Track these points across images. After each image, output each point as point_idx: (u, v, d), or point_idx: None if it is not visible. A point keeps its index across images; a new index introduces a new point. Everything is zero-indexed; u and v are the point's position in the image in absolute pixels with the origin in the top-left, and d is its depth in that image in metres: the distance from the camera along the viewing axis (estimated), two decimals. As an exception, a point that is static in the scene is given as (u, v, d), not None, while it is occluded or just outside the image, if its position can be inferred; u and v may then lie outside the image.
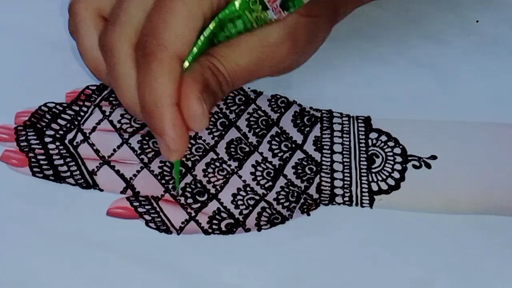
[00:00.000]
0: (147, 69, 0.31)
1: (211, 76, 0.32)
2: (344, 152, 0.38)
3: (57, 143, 0.38)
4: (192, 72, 0.31)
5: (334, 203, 0.36)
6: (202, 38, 0.32)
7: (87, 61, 0.34)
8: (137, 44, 0.31)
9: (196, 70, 0.32)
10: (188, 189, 0.36)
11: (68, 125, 0.39)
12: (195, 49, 0.32)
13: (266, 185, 0.37)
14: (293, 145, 0.38)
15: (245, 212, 0.36)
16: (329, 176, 0.37)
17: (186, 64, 0.32)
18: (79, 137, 0.38)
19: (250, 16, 0.32)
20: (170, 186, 0.36)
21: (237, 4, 0.31)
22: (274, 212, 0.36)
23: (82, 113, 0.39)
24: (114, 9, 0.32)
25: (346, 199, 0.36)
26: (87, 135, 0.38)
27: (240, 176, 0.37)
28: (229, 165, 0.37)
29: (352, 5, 0.43)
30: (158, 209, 0.36)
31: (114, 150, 0.38)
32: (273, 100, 0.41)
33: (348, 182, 0.37)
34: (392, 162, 0.38)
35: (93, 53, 0.33)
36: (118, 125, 0.39)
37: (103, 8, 0.33)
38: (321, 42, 0.39)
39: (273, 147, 0.38)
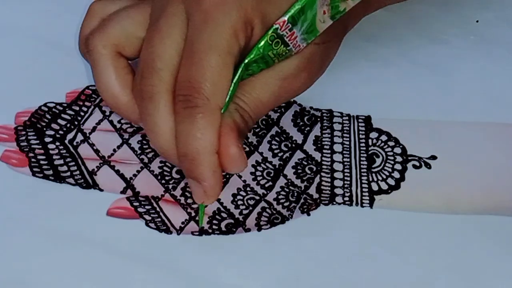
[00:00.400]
0: (192, 120, 0.32)
1: (239, 118, 0.34)
2: (344, 152, 0.38)
3: (57, 143, 0.38)
4: (224, 119, 0.33)
5: (334, 203, 0.36)
6: (232, 85, 0.33)
7: (106, 98, 0.35)
8: (178, 96, 0.32)
9: (226, 117, 0.33)
10: (188, 189, 0.36)
11: (68, 125, 0.39)
12: (227, 98, 0.33)
13: (266, 185, 0.37)
14: (293, 145, 0.38)
15: (245, 212, 0.36)
16: (329, 176, 0.37)
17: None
18: (79, 137, 0.38)
19: (273, 55, 0.33)
20: (170, 186, 0.36)
21: (261, 48, 0.33)
22: (274, 212, 0.36)
23: (82, 113, 0.39)
24: (146, 53, 0.33)
25: (346, 199, 0.36)
26: (87, 135, 0.38)
27: (240, 176, 0.37)
28: (229, 165, 0.37)
29: (359, 19, 0.43)
30: (158, 209, 0.36)
31: (114, 150, 0.38)
32: (273, 100, 0.41)
33: (348, 182, 0.37)
34: (392, 162, 0.38)
35: (112, 90, 0.35)
36: (118, 125, 0.39)
37: (121, 45, 0.34)
38: (330, 62, 0.39)
39: (273, 147, 0.38)
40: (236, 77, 0.33)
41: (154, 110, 0.33)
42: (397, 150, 0.38)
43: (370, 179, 0.37)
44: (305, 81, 0.36)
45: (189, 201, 0.36)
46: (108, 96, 0.35)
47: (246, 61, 0.33)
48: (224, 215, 0.35)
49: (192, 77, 0.32)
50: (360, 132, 0.39)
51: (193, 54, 0.32)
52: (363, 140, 0.39)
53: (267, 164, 0.38)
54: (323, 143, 0.39)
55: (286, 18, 0.33)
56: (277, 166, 0.38)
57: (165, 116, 0.33)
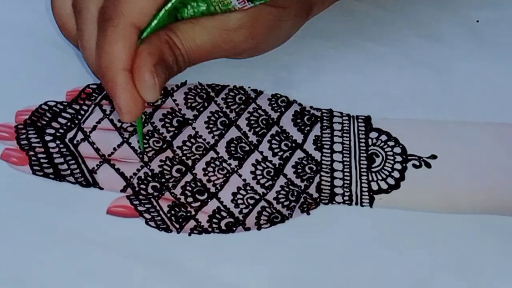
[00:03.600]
0: (104, 33, 0.33)
1: (168, 50, 0.34)
2: (344, 152, 0.38)
3: (58, 142, 0.38)
4: (148, 44, 0.33)
5: (334, 202, 0.36)
6: (162, 11, 0.33)
7: (56, 16, 0.36)
8: (100, 9, 0.33)
9: (153, 42, 0.34)
10: (188, 188, 0.36)
11: (69, 123, 0.39)
12: (154, 22, 0.33)
13: (266, 184, 0.37)
14: (293, 144, 0.38)
15: (245, 211, 0.36)
16: (329, 175, 0.37)
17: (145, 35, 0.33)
18: (80, 135, 0.38)
19: (214, 0, 0.34)
20: (170, 185, 0.36)
21: None
22: (274, 211, 0.36)
23: (82, 112, 0.39)
24: None
25: (346, 198, 0.36)
26: (88, 133, 0.38)
27: (240, 175, 0.37)
28: (229, 164, 0.37)
29: (329, 2, 0.43)
30: (158, 207, 0.36)
31: (114, 149, 0.38)
32: (273, 99, 0.41)
33: (348, 182, 0.37)
34: (392, 162, 0.38)
35: (62, 10, 0.36)
36: (118, 124, 0.39)
37: None
38: (287, 33, 0.40)
39: (273, 146, 0.38)
40: (169, 4, 0.33)
41: (82, 23, 0.34)
42: (397, 149, 0.38)
43: (370, 179, 0.37)
44: (246, 39, 0.37)
45: (189, 199, 0.36)
46: (58, 14, 0.36)
47: None
48: (224, 214, 0.35)
49: None
50: (360, 132, 0.39)
51: None
52: (363, 140, 0.39)
53: (267, 163, 0.38)
54: (323, 142, 0.39)
55: None
56: (277, 166, 0.38)
57: (90, 30, 0.34)
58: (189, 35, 0.35)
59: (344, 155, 0.38)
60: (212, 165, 0.37)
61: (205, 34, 0.35)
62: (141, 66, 0.33)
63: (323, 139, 0.39)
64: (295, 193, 0.36)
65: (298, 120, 0.40)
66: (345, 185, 0.37)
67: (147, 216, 0.35)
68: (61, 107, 0.39)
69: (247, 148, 0.38)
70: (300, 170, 0.37)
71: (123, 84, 0.33)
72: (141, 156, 0.37)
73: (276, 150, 0.38)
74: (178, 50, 0.35)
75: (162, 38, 0.34)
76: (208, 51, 0.36)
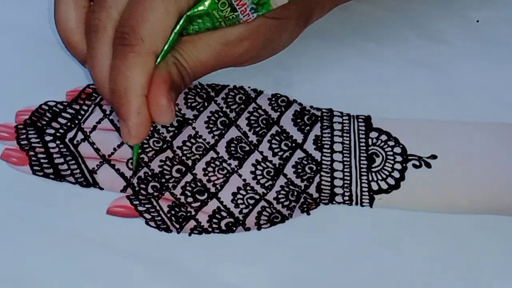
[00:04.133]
0: (123, 58, 0.33)
1: (176, 72, 0.35)
2: (344, 151, 0.38)
3: (58, 142, 0.38)
4: (159, 69, 0.34)
5: (334, 202, 0.36)
6: (172, 34, 0.34)
7: (60, 31, 0.36)
8: (116, 33, 0.33)
9: (163, 68, 0.34)
10: (188, 188, 0.36)
11: (69, 123, 0.39)
12: (166, 46, 0.34)
13: (266, 184, 0.37)
14: (293, 144, 0.38)
15: (245, 211, 0.36)
16: (329, 175, 0.37)
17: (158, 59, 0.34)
18: (80, 136, 0.38)
19: (218, 16, 0.34)
20: (170, 185, 0.36)
21: (206, 4, 0.33)
22: (274, 211, 0.36)
23: (82, 112, 0.39)
24: None
25: (346, 198, 0.36)
26: (88, 134, 0.38)
27: (240, 175, 0.37)
28: (229, 164, 0.37)
29: (329, 8, 0.44)
30: (158, 207, 0.36)
31: (114, 149, 0.38)
32: (273, 99, 0.41)
33: (348, 181, 0.37)
34: (392, 162, 0.38)
35: (68, 25, 0.36)
36: (118, 124, 0.39)
37: None
38: (287, 41, 0.40)
39: (273, 146, 0.38)
40: (178, 27, 0.34)
41: (96, 43, 0.34)
42: (397, 149, 0.38)
43: (370, 179, 0.37)
44: (247, 51, 0.37)
45: (189, 199, 0.36)
46: (62, 29, 0.36)
47: (189, 13, 0.33)
48: (224, 214, 0.35)
49: (132, 16, 0.33)
50: (360, 132, 0.39)
51: None
52: (363, 140, 0.39)
53: (267, 163, 0.38)
54: (323, 142, 0.39)
55: None
56: (277, 165, 0.38)
57: (104, 50, 0.34)
58: (193, 54, 0.35)
59: (344, 155, 0.38)
60: (212, 165, 0.37)
61: (208, 50, 0.36)
62: (158, 95, 0.33)
63: (323, 139, 0.39)
64: (295, 193, 0.36)
65: (298, 120, 0.40)
66: (345, 185, 0.37)
67: (147, 216, 0.35)
68: (61, 107, 0.39)
69: (247, 148, 0.38)
70: (300, 170, 0.37)
71: (138, 109, 0.33)
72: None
73: (276, 150, 0.38)
74: (184, 70, 0.35)
75: (170, 61, 0.34)
76: (212, 65, 0.37)
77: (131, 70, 0.33)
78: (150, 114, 0.34)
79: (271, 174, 0.37)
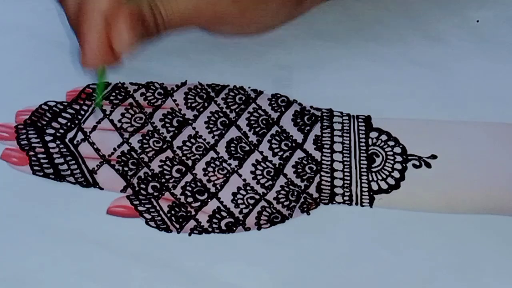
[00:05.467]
0: None
1: (149, 12, 0.35)
2: (344, 151, 0.38)
3: (58, 142, 0.38)
4: (130, 3, 0.34)
5: (334, 202, 0.36)
6: None
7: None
8: None
9: (134, 2, 0.34)
10: (188, 188, 0.36)
11: (69, 123, 0.39)
12: None
13: (266, 184, 0.37)
14: (293, 144, 0.38)
15: (245, 211, 0.36)
16: (329, 175, 0.37)
17: None
18: (80, 136, 0.38)
19: None
20: (170, 185, 0.36)
21: None
22: (274, 211, 0.36)
23: (82, 112, 0.39)
24: None
25: (346, 198, 0.36)
26: (88, 134, 0.38)
27: (240, 175, 0.37)
28: (229, 164, 0.37)
29: None
30: (158, 207, 0.36)
31: (114, 149, 0.38)
32: (273, 99, 0.41)
33: (348, 181, 0.37)
34: (392, 162, 0.38)
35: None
36: (118, 124, 0.39)
37: None
38: (274, 15, 0.40)
39: (273, 146, 0.38)
40: None
41: None
42: (397, 149, 0.38)
43: (370, 179, 0.37)
44: (228, 7, 0.37)
45: (189, 199, 0.36)
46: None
47: None
48: (224, 214, 0.36)
49: None
50: (360, 132, 0.39)
51: None
52: (363, 140, 0.39)
53: (267, 163, 0.38)
54: (323, 142, 0.39)
55: None
56: (277, 165, 0.38)
57: None
58: (171, 1, 0.36)
59: (344, 155, 0.38)
60: (212, 165, 0.37)
61: (188, 0, 0.36)
62: (120, 22, 0.34)
63: (323, 139, 0.39)
64: (295, 193, 0.36)
65: (298, 120, 0.40)
66: (345, 185, 0.37)
67: (147, 216, 0.35)
68: (61, 107, 0.39)
69: (247, 148, 0.38)
70: (300, 170, 0.37)
71: (97, 28, 0.34)
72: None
73: (276, 150, 0.38)
74: (159, 14, 0.36)
75: (145, 1, 0.35)
76: (190, 17, 0.37)
77: None
78: (110, 43, 0.34)
79: (271, 174, 0.37)
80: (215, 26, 0.39)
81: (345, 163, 0.38)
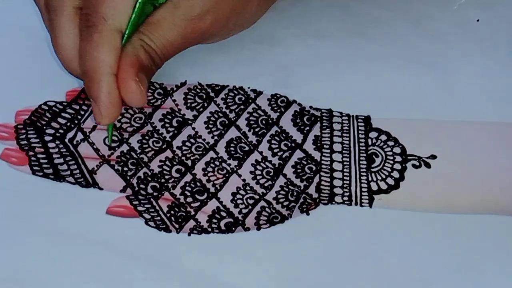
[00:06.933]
0: (89, 39, 0.35)
1: (144, 54, 0.36)
2: (343, 152, 0.38)
3: (57, 142, 0.38)
4: (127, 55, 0.35)
5: (333, 202, 0.36)
6: (134, 12, 0.35)
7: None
8: (81, 16, 0.35)
9: (130, 52, 0.35)
10: (187, 188, 0.36)
11: (68, 124, 0.39)
12: (129, 24, 0.35)
13: (266, 184, 0.37)
14: (293, 145, 0.38)
15: (244, 211, 0.36)
16: (328, 175, 0.37)
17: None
18: (79, 136, 0.38)
19: None
20: (170, 185, 0.36)
21: None
22: (274, 211, 0.36)
23: (82, 112, 0.39)
24: None
25: (346, 198, 0.36)
26: (87, 134, 0.38)
27: (239, 175, 0.37)
28: (229, 164, 0.37)
29: None
30: (157, 207, 0.36)
31: (114, 149, 0.38)
32: (273, 99, 0.41)
33: (348, 182, 0.37)
34: (392, 162, 0.38)
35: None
36: (118, 124, 0.39)
37: None
38: (254, 15, 0.41)
39: (273, 146, 0.38)
40: (138, 3, 0.35)
41: (57, 21, 0.35)
42: (397, 149, 0.38)
43: (370, 179, 0.37)
44: (213, 24, 0.38)
45: (189, 199, 0.36)
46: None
47: None
48: (223, 214, 0.35)
49: None
50: (360, 132, 0.39)
51: None
52: (363, 140, 0.39)
53: (266, 163, 0.38)
54: (322, 142, 0.39)
55: None
56: (276, 166, 0.38)
57: (66, 28, 0.35)
58: (159, 34, 0.36)
59: (344, 155, 0.38)
60: (211, 165, 0.37)
61: (174, 28, 0.37)
62: (126, 79, 0.35)
63: (323, 139, 0.39)
64: (295, 193, 0.36)
65: (298, 120, 0.40)
66: (345, 185, 0.37)
67: (147, 216, 0.35)
68: (61, 107, 0.39)
69: (247, 148, 0.38)
70: (299, 170, 0.37)
71: (109, 88, 0.35)
72: (140, 158, 0.37)
73: (275, 150, 0.38)
74: (152, 51, 0.36)
75: (137, 44, 0.36)
76: (180, 43, 0.37)
77: (97, 50, 0.34)
78: (120, 96, 0.35)
79: (271, 174, 0.37)
80: (205, 41, 0.40)
81: (345, 163, 0.38)
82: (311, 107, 0.40)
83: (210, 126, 0.39)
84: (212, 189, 0.36)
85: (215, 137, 0.38)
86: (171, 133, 0.39)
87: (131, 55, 0.35)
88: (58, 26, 0.36)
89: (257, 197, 0.36)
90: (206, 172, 0.37)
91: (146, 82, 0.36)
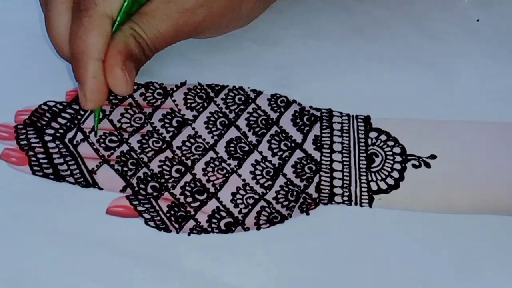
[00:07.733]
0: (79, 22, 0.35)
1: (134, 43, 0.36)
2: (343, 151, 0.38)
3: (57, 142, 0.38)
4: (116, 42, 0.35)
5: (333, 202, 0.36)
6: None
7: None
8: (74, 0, 0.36)
9: (119, 39, 0.35)
10: (187, 188, 0.36)
11: (68, 124, 0.39)
12: (121, 12, 0.36)
13: (266, 184, 0.37)
14: (293, 144, 0.38)
15: (244, 211, 0.36)
16: (328, 175, 0.37)
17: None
18: (79, 136, 0.38)
19: None
20: (170, 185, 0.36)
21: None
22: (274, 211, 0.36)
23: (82, 112, 0.39)
24: None
25: (346, 198, 0.36)
26: (87, 134, 0.38)
27: (239, 175, 0.37)
28: (229, 164, 0.37)
29: None
30: (157, 207, 0.36)
31: (114, 149, 0.38)
32: (272, 99, 0.41)
33: (348, 182, 0.37)
34: (392, 162, 0.38)
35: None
36: (118, 125, 0.39)
37: None
38: (249, 14, 0.41)
39: (273, 146, 0.38)
40: None
41: (51, 5, 0.36)
42: (397, 149, 0.38)
43: (370, 179, 0.37)
44: (206, 19, 0.38)
45: (189, 199, 0.36)
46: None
47: None
48: (223, 214, 0.36)
49: None
50: (360, 132, 0.39)
51: None
52: (363, 140, 0.39)
53: (266, 163, 0.38)
54: (322, 142, 0.39)
55: None
56: (276, 165, 0.38)
57: (60, 11, 0.36)
58: (151, 25, 0.37)
59: (344, 155, 0.38)
60: (211, 165, 0.37)
61: (166, 19, 0.37)
62: (112, 65, 0.35)
63: (323, 139, 0.39)
64: (295, 193, 0.36)
65: (298, 120, 0.40)
66: (345, 185, 0.37)
67: (147, 216, 0.35)
68: (61, 107, 0.39)
69: (247, 148, 0.38)
70: (299, 170, 0.37)
71: (94, 72, 0.35)
72: (140, 158, 0.37)
73: (275, 150, 0.38)
74: (143, 41, 0.36)
75: (127, 32, 0.36)
76: (172, 35, 0.38)
77: (86, 34, 0.35)
78: (106, 82, 0.35)
79: (271, 174, 0.37)
80: (198, 36, 0.40)
81: (345, 163, 0.38)
82: (311, 107, 0.40)
83: (210, 126, 0.39)
84: (212, 189, 0.36)
85: (215, 137, 0.38)
86: (171, 133, 0.39)
87: (120, 42, 0.35)
88: (52, 9, 0.36)
89: (257, 197, 0.36)
90: (206, 172, 0.37)
91: (133, 71, 0.36)
